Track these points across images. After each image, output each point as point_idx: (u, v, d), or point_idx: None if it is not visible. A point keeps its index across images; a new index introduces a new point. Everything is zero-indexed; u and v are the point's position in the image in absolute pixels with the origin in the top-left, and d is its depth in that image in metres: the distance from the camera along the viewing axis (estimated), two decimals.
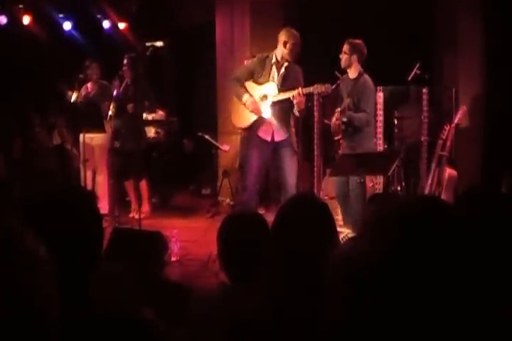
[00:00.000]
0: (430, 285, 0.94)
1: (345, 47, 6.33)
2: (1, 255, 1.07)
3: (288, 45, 6.23)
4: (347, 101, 6.38)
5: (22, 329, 1.05)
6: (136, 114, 7.86)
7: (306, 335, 1.83)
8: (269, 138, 6.34)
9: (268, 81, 6.32)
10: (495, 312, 1.24)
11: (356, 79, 6.39)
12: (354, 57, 6.33)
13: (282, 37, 6.27)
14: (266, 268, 2.20)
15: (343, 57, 6.36)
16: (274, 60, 6.35)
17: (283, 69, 6.32)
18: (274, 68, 6.33)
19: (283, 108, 6.29)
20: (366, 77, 6.40)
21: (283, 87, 6.26)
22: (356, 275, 0.96)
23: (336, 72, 6.83)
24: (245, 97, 6.29)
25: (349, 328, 0.98)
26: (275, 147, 6.34)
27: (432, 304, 0.93)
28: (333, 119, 6.45)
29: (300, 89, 6.05)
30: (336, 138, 6.54)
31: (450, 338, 0.94)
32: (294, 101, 6.07)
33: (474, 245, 1.00)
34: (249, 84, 6.40)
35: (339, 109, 6.38)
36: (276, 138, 6.32)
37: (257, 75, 6.37)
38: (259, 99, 6.32)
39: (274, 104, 6.28)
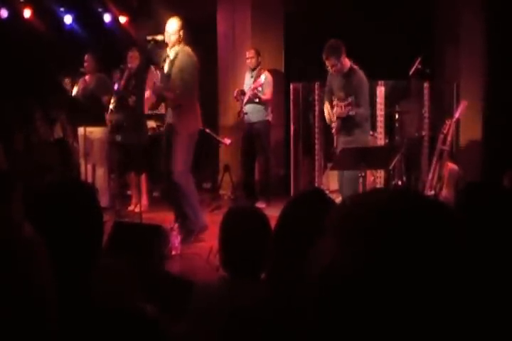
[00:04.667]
0: (419, 289, 0.87)
1: (332, 61, 6.10)
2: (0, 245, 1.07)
3: (175, 35, 6.33)
4: (340, 94, 6.24)
5: (20, 320, 1.05)
6: (137, 108, 7.85)
7: (306, 329, 1.83)
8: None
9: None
10: (493, 318, 1.20)
11: (348, 73, 6.22)
12: (342, 57, 6.14)
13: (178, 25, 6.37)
14: (267, 263, 2.19)
15: (337, 67, 6.15)
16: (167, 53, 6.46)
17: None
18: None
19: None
20: (358, 70, 6.22)
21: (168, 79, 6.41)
22: (338, 282, 0.91)
23: None
24: None
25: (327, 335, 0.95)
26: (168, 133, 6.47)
27: (419, 306, 0.88)
28: (337, 110, 6.24)
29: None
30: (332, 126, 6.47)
31: None
32: None
33: (467, 242, 0.93)
34: None
35: (340, 103, 6.24)
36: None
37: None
38: None
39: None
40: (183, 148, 6.31)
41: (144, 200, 8.18)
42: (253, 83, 8.03)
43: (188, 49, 6.39)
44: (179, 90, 6.25)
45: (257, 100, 8.01)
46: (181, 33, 6.35)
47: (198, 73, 6.42)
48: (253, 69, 8.18)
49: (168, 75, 6.37)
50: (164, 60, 6.48)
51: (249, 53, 8.17)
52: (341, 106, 6.17)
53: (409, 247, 0.86)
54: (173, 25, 6.37)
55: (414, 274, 0.85)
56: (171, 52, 6.40)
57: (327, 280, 0.90)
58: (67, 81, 8.92)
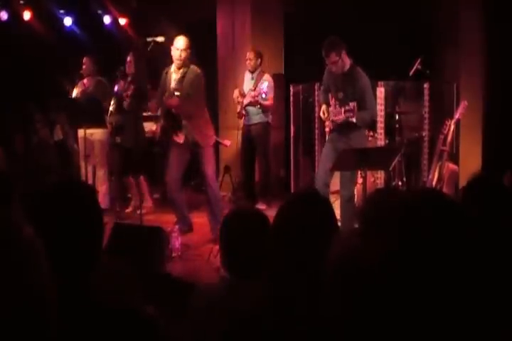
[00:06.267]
0: (435, 283, 0.90)
1: (333, 57, 5.98)
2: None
3: (184, 53, 6.42)
4: (339, 94, 6.13)
5: (20, 320, 1.05)
6: (135, 111, 7.85)
7: (305, 331, 1.83)
8: (181, 141, 6.58)
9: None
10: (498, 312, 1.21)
11: (349, 73, 6.09)
12: (343, 54, 6.02)
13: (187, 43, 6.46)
14: (267, 265, 2.19)
15: (338, 64, 6.02)
16: (172, 69, 6.58)
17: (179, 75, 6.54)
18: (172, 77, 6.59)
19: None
20: (359, 70, 6.10)
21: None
22: (360, 273, 0.94)
23: None
24: None
25: (349, 325, 0.96)
26: (191, 147, 6.60)
27: (435, 302, 0.90)
28: (334, 112, 6.12)
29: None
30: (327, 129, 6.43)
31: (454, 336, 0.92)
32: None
33: (481, 239, 0.97)
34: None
35: (339, 105, 6.12)
36: (178, 141, 6.57)
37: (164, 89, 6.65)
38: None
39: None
40: (211, 158, 6.74)
41: (149, 202, 8.21)
42: (253, 86, 8.01)
43: (195, 69, 6.54)
44: (188, 106, 6.41)
45: (258, 106, 8.01)
46: (189, 51, 6.46)
47: (205, 88, 6.63)
48: (253, 72, 8.17)
49: (176, 90, 6.47)
50: (166, 73, 6.60)
51: (249, 55, 8.14)
52: (340, 111, 6.01)
53: (429, 240, 0.90)
54: (182, 42, 6.46)
55: (433, 265, 0.89)
56: (178, 71, 6.50)
57: (351, 266, 0.93)
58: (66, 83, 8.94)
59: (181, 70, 6.49)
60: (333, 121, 6.19)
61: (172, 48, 6.48)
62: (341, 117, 6.02)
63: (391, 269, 0.91)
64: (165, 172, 6.84)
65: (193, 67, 6.52)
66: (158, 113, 6.98)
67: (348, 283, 0.95)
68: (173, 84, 6.52)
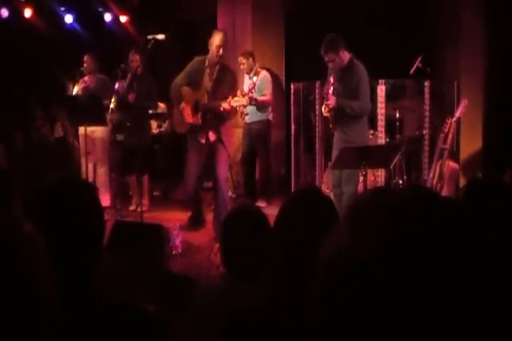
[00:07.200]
0: (429, 283, 0.89)
1: (330, 56, 6.08)
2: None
3: (221, 49, 6.46)
4: (338, 88, 6.19)
5: (19, 319, 1.05)
6: (141, 107, 7.83)
7: (304, 329, 1.83)
8: (203, 141, 6.59)
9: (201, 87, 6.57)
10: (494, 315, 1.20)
11: (348, 67, 6.17)
12: (341, 51, 6.11)
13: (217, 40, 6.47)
14: (267, 263, 2.19)
15: (336, 62, 6.12)
16: (207, 63, 6.57)
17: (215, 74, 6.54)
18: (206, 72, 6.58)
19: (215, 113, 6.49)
20: (357, 63, 6.18)
21: (214, 93, 6.50)
22: (347, 273, 0.93)
23: None
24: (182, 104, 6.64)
25: (335, 326, 0.95)
26: (210, 146, 6.60)
27: (429, 303, 0.89)
28: (323, 107, 6.27)
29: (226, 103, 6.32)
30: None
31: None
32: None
33: (475, 240, 0.95)
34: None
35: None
36: (211, 139, 6.59)
37: (193, 79, 6.61)
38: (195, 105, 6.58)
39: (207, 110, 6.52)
40: (226, 162, 6.74)
41: (145, 200, 8.19)
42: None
43: (229, 67, 6.68)
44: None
45: (253, 102, 7.96)
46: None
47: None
48: (249, 73, 8.14)
49: (214, 88, 6.52)
50: (199, 65, 6.61)
51: (240, 60, 8.11)
52: (328, 97, 6.16)
53: (418, 238, 0.89)
54: (221, 38, 6.53)
55: (423, 264, 0.87)
56: (214, 68, 6.53)
57: (337, 267, 0.92)
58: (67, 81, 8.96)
59: (216, 67, 6.53)
60: (327, 107, 6.24)
61: (210, 42, 6.49)
62: (330, 99, 6.12)
63: (379, 269, 0.90)
64: (185, 172, 6.81)
65: (226, 66, 6.61)
66: (164, 110, 6.94)
67: (335, 283, 0.94)
68: (209, 83, 6.53)
